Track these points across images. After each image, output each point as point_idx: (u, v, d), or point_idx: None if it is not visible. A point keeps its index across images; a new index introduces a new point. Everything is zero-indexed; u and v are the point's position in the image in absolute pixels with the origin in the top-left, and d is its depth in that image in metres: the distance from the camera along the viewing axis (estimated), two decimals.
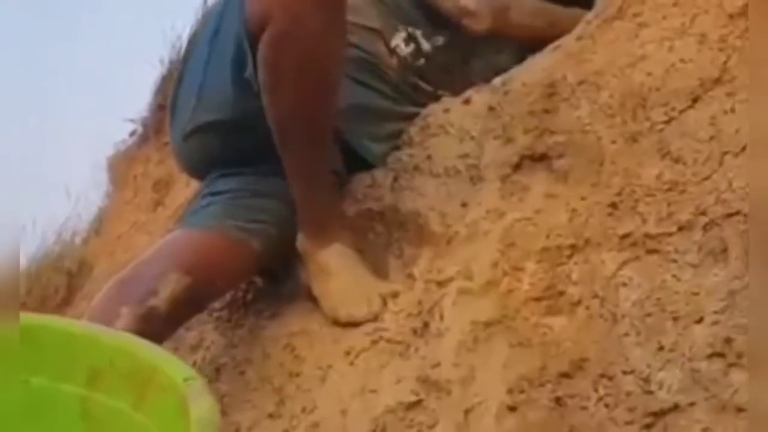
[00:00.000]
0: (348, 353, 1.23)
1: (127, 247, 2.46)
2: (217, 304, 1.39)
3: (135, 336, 0.80)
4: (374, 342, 1.20)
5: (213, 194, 1.37)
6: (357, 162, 1.40)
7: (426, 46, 1.46)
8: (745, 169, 1.01)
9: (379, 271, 1.31)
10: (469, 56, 1.48)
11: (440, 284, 1.18)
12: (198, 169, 1.45)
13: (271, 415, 1.21)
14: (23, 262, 3.28)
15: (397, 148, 1.42)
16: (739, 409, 0.89)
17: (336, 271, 1.27)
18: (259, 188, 1.35)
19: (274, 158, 1.27)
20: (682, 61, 1.16)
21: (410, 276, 1.24)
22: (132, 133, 2.90)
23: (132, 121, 2.83)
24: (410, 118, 1.40)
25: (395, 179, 1.37)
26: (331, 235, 1.29)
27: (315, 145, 1.27)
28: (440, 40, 1.46)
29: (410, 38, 1.45)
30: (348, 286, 1.26)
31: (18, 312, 0.78)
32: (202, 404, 0.67)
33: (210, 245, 1.29)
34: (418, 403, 1.07)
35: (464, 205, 1.24)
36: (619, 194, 1.09)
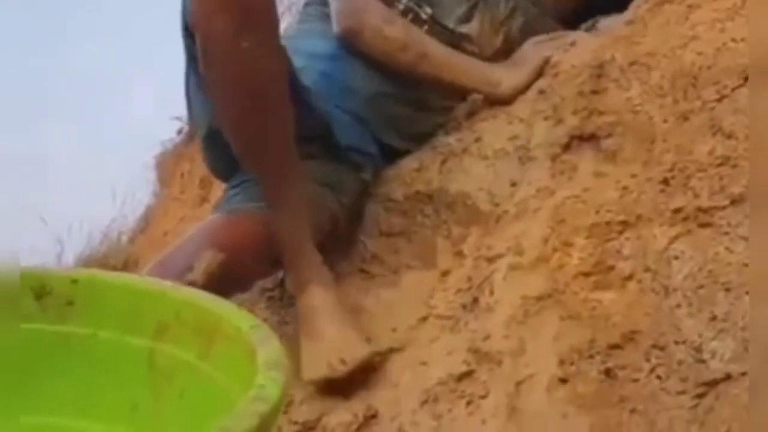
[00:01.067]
0: (395, 330, 1.24)
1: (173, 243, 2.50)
2: (268, 284, 1.41)
3: (200, 291, 0.82)
4: (424, 318, 1.22)
5: (239, 185, 1.37)
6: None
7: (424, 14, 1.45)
8: None
9: (428, 253, 1.32)
10: None
11: (490, 260, 1.19)
12: (220, 170, 1.44)
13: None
14: (70, 262, 3.35)
15: (445, 132, 1.44)
16: None
17: (306, 328, 1.22)
18: None
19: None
20: (733, 40, 1.16)
21: (459, 254, 1.26)
22: (179, 132, 2.96)
23: (179, 119, 2.88)
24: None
25: (443, 162, 1.39)
26: (306, 275, 1.25)
27: (269, 172, 1.24)
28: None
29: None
30: (315, 346, 1.20)
31: None
32: (269, 347, 0.69)
33: (239, 225, 1.30)
34: (470, 374, 1.09)
35: (513, 184, 1.26)
36: (670, 170, 1.10)
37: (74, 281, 0.83)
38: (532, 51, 1.40)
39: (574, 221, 1.13)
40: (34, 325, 0.83)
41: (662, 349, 0.98)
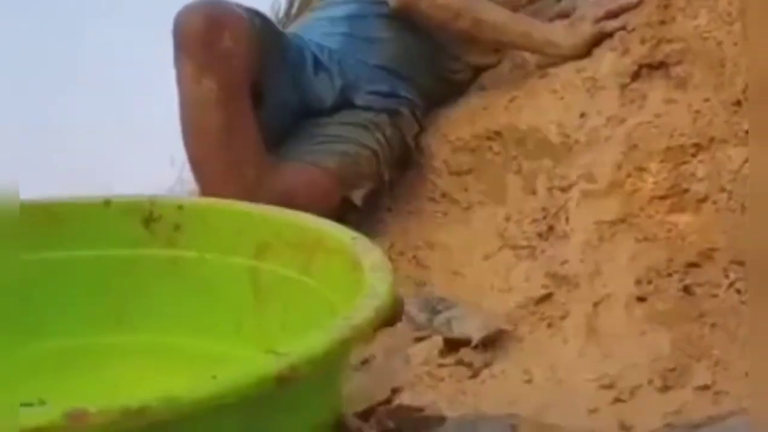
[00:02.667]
0: (470, 264, 1.28)
1: None
2: None
3: (299, 211, 0.86)
4: (499, 248, 1.25)
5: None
6: None
7: None
8: None
9: (498, 189, 1.35)
10: None
11: (563, 190, 1.22)
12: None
13: None
14: None
15: (509, 70, 1.47)
16: None
17: None
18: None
19: None
20: None
21: (531, 187, 1.28)
22: None
23: None
24: None
25: (511, 100, 1.41)
26: None
27: None
28: None
29: None
30: None
31: None
32: (372, 255, 0.73)
33: (286, 169, 1.31)
34: (548, 296, 1.12)
35: (583, 115, 1.28)
36: (744, 92, 1.11)
37: (180, 207, 0.88)
38: (592, 13, 1.38)
39: (647, 146, 1.15)
40: (144, 250, 0.88)
41: (741, 264, 1.00)
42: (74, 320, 0.85)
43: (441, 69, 1.51)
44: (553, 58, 1.39)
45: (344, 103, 1.41)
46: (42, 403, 0.79)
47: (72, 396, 0.78)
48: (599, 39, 1.34)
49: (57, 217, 0.89)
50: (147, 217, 0.87)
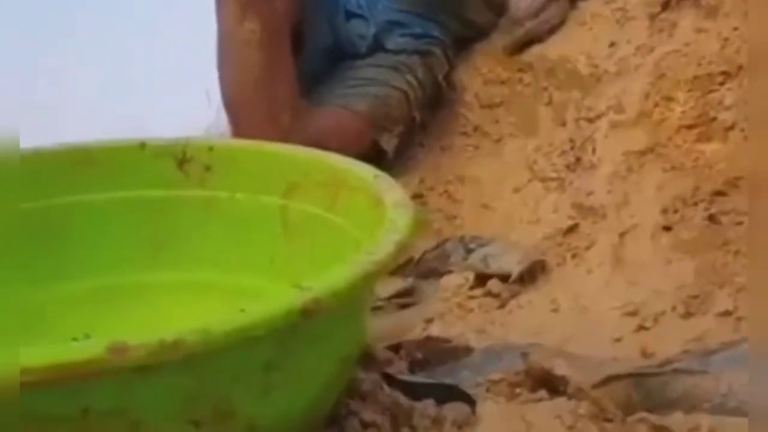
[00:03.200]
0: (500, 197, 1.30)
1: None
2: None
3: (326, 151, 0.88)
4: (529, 180, 1.26)
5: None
6: None
7: None
8: None
9: (529, 121, 1.36)
10: None
11: (591, 121, 1.23)
12: None
13: None
14: None
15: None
16: None
17: None
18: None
19: None
20: None
21: (561, 118, 1.29)
22: None
23: None
24: None
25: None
26: None
27: None
28: None
29: None
30: None
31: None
32: (394, 193, 0.75)
33: (318, 114, 1.32)
34: (575, 227, 1.14)
35: (612, 45, 1.27)
36: None
37: (211, 148, 0.91)
38: None
39: (675, 75, 1.15)
40: (178, 191, 0.91)
41: None
42: (112, 259, 0.88)
43: (467, 13, 1.50)
44: None
45: (377, 47, 1.41)
46: (87, 337, 0.84)
47: (113, 331, 0.83)
48: None
49: (93, 159, 0.91)
50: (180, 158, 0.90)
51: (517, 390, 0.81)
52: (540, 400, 0.79)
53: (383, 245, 0.64)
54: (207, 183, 0.90)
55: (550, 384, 0.80)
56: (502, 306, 1.07)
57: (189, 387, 0.56)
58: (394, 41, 1.42)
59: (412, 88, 1.41)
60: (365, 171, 0.81)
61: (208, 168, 0.90)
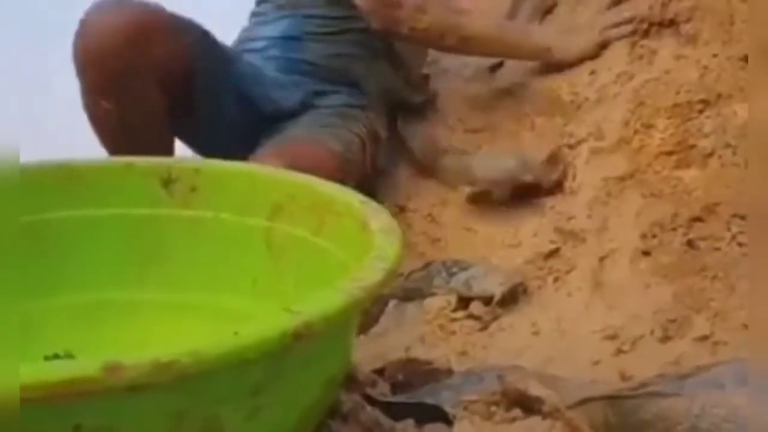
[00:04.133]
0: (482, 217, 1.31)
1: None
2: None
3: (311, 176, 0.89)
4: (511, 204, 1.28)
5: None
6: None
7: None
8: None
9: (512, 146, 1.37)
10: None
11: (571, 147, 1.24)
12: None
13: None
14: None
15: None
16: None
17: None
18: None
19: None
20: None
21: (542, 143, 1.31)
22: None
23: None
24: None
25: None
26: None
27: None
28: None
29: None
30: None
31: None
32: (380, 218, 0.76)
33: (292, 146, 1.29)
34: (556, 251, 1.15)
35: (592, 72, 1.29)
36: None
37: (197, 170, 0.91)
38: (596, 23, 1.34)
39: (654, 103, 1.17)
40: (163, 210, 0.92)
41: (743, 218, 1.03)
42: (97, 276, 0.89)
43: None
44: (545, 63, 1.36)
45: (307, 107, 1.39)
46: (70, 355, 0.84)
47: (95, 348, 0.83)
48: (603, 46, 1.31)
49: (79, 177, 0.92)
50: (166, 178, 0.91)
51: (493, 409, 0.82)
52: (514, 419, 0.80)
53: (372, 272, 0.65)
54: (192, 203, 0.91)
55: (525, 404, 0.81)
56: (483, 328, 1.07)
57: (179, 406, 0.57)
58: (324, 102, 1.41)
59: (365, 136, 1.40)
60: (350, 196, 0.83)
61: (193, 189, 0.91)
